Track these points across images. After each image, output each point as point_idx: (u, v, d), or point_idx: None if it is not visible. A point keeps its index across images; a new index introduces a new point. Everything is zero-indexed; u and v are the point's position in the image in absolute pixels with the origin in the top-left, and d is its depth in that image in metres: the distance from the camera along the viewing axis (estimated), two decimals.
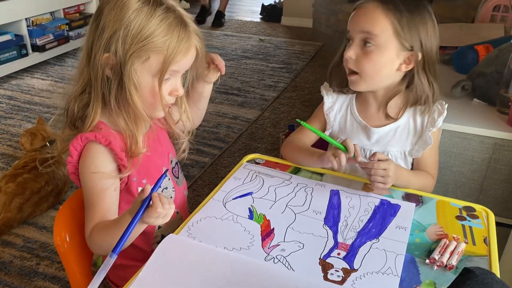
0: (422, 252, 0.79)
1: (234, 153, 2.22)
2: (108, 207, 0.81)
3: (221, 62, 0.97)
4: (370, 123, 1.06)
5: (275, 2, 4.86)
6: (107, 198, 0.81)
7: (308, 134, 1.12)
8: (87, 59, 0.83)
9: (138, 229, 0.75)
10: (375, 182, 0.92)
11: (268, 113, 2.64)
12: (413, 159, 1.06)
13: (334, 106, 1.11)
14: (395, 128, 1.04)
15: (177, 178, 0.99)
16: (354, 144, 0.93)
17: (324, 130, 1.12)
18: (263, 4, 4.79)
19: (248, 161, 1.09)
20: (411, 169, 1.07)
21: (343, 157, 0.91)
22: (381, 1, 0.96)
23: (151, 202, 0.69)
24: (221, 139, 2.34)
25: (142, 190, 0.71)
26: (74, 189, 1.77)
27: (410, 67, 0.98)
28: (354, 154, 0.92)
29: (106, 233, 0.76)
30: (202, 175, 2.03)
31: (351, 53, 0.97)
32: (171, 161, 0.98)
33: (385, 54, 0.96)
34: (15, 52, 2.92)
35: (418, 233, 0.84)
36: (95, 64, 0.80)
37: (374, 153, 0.93)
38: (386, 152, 1.05)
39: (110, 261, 0.66)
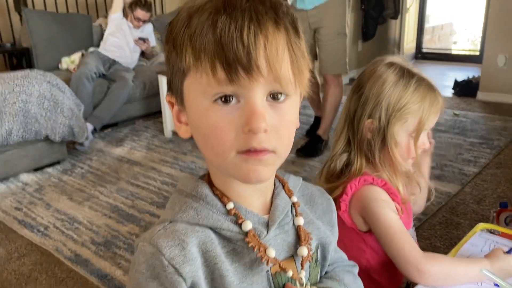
0: None
1: (434, 226, 2.17)
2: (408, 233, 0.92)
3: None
4: None
5: (468, 77, 4.71)
6: (403, 225, 0.92)
7: None
8: (348, 124, 0.99)
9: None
10: None
11: (470, 189, 2.52)
12: None
13: None
14: None
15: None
16: None
17: None
18: (456, 80, 4.69)
19: (481, 230, 1.09)
20: None
21: None
22: None
23: None
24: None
25: None
26: None
27: None
28: None
29: (452, 269, 0.87)
30: None
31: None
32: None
33: None
34: None
35: None
36: (359, 128, 0.95)
37: None
38: None
39: None
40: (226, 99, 0.51)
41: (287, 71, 0.52)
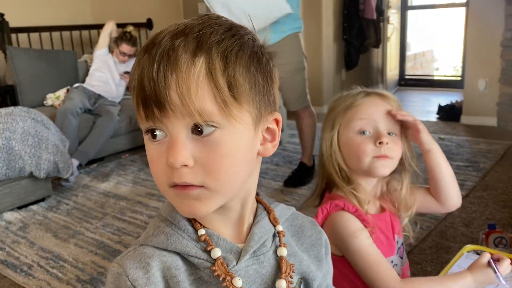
0: None
1: (425, 250, 2.15)
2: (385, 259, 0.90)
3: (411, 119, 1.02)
4: None
5: (452, 102, 4.79)
6: (378, 252, 0.90)
7: None
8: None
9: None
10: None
11: (458, 212, 2.52)
12: None
13: None
14: None
15: (401, 258, 1.05)
16: None
17: None
18: (439, 105, 4.76)
19: (468, 252, 1.09)
20: None
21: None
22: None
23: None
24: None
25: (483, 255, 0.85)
26: None
27: None
28: None
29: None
30: None
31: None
32: (397, 242, 1.04)
33: None
34: None
35: None
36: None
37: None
38: None
39: None
40: (153, 133, 0.53)
41: (207, 103, 0.50)
